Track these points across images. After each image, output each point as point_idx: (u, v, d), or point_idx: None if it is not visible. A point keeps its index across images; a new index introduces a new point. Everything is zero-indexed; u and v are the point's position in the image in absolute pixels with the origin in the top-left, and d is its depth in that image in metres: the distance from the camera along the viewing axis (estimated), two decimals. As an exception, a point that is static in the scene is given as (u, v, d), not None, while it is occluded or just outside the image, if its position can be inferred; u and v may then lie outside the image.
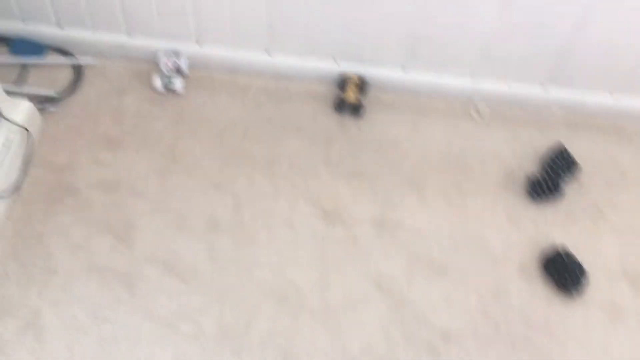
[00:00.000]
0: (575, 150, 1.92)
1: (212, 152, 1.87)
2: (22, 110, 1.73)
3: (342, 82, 1.97)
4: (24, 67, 1.95)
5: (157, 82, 1.93)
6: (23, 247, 1.66)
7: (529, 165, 1.92)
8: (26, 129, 1.73)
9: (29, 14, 1.92)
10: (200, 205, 1.77)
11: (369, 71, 1.96)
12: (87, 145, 1.85)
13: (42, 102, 1.88)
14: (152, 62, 2.01)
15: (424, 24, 1.77)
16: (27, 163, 1.76)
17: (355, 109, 1.94)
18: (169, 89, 1.94)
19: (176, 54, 1.96)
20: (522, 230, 1.80)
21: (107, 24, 1.92)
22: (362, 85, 1.96)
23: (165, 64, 1.92)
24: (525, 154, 1.94)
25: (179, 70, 1.96)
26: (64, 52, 2.00)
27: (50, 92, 1.91)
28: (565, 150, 1.89)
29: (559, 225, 1.81)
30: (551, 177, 1.83)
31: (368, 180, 1.86)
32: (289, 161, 1.87)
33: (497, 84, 1.96)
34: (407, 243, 1.75)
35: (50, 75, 1.97)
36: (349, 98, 1.93)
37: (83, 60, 1.98)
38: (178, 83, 1.94)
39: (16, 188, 1.72)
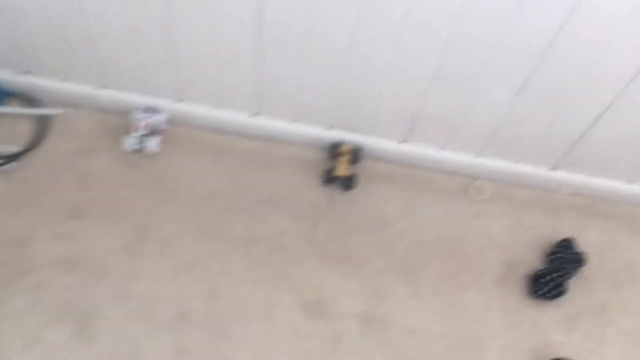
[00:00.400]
0: (582, 239, 1.77)
1: (187, 227, 1.69)
2: (-27, 177, 1.55)
3: (334, 151, 1.79)
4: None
5: (130, 143, 1.74)
6: (-31, 336, 1.49)
7: (532, 257, 1.77)
8: (-23, 201, 1.55)
9: (-11, 59, 1.73)
10: (171, 290, 1.60)
11: (364, 140, 1.79)
12: (48, 213, 1.66)
13: (2, 158, 1.69)
14: (125, 115, 1.82)
15: (428, 103, 1.59)
16: (-22, 236, 1.58)
17: (347, 183, 1.77)
18: (142, 149, 1.76)
19: (153, 110, 1.77)
20: (521, 333, 1.65)
21: (79, 73, 1.72)
22: (355, 155, 1.78)
23: (140, 124, 1.73)
24: (529, 243, 1.79)
25: (154, 130, 1.77)
26: (28, 99, 1.80)
27: (11, 147, 1.71)
28: (572, 243, 1.74)
29: (560, 328, 1.67)
30: (555, 274, 1.68)
31: (356, 266, 1.70)
32: (271, 241, 1.70)
33: (502, 162, 1.80)
34: (396, 344, 1.60)
35: (12, 125, 1.78)
36: (340, 171, 1.76)
37: (49, 110, 1.79)
38: (153, 144, 1.75)
39: (-35, 264, 1.54)
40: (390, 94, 1.58)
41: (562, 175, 1.81)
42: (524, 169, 1.80)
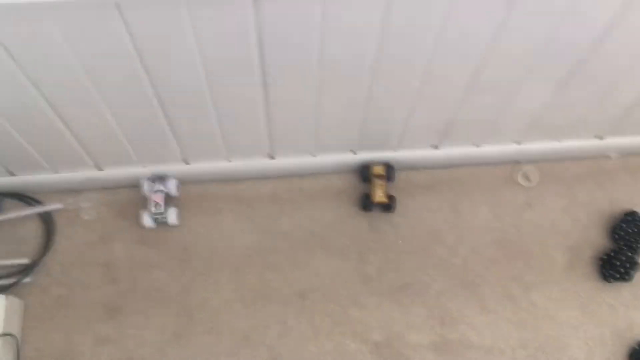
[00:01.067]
0: (642, 202, 1.66)
1: (231, 295, 1.57)
2: (-4, 310, 1.42)
3: (365, 174, 1.64)
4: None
5: (148, 220, 1.59)
6: None
7: (597, 236, 1.65)
8: (9, 334, 1.42)
9: (-30, 169, 1.55)
10: (233, 369, 1.51)
11: (394, 155, 1.63)
12: (82, 320, 1.54)
13: (13, 275, 1.55)
14: (132, 188, 1.66)
15: (462, 111, 1.43)
16: (18, 366, 1.47)
17: (387, 207, 1.64)
18: (162, 223, 1.62)
19: (162, 179, 1.61)
20: (602, 321, 1.56)
21: (70, 163, 1.55)
22: (388, 174, 1.63)
23: (154, 199, 1.58)
24: (589, 220, 1.67)
25: (168, 199, 1.62)
26: (25, 197, 1.64)
27: (21, 259, 1.57)
28: (638, 215, 1.62)
29: (641, 307, 1.59)
30: (628, 254, 1.57)
31: (417, 293, 1.59)
32: (321, 289, 1.59)
33: (545, 144, 1.65)
34: (477, 367, 1.52)
35: (15, 233, 1.62)
36: (378, 197, 1.61)
37: (50, 206, 1.63)
38: (172, 216, 1.60)
39: (14, 399, 1.44)
40: (422, 111, 1.41)
41: (610, 141, 1.66)
42: (569, 144, 1.65)
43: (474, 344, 1.54)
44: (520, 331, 1.56)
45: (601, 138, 1.65)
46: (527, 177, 1.70)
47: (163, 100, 1.28)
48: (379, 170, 1.62)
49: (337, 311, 1.57)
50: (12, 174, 1.58)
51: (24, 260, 1.57)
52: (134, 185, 1.65)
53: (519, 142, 1.64)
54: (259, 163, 1.62)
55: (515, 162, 1.72)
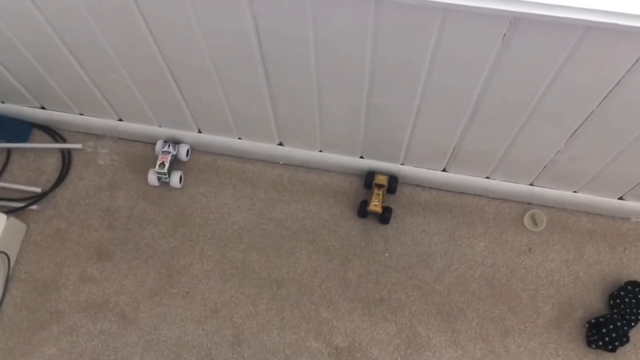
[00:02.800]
0: (654, 275, 1.55)
1: (212, 267, 1.62)
2: (-3, 228, 1.53)
3: (369, 181, 1.63)
4: (8, 152, 1.73)
5: (152, 178, 1.66)
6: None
7: (592, 299, 1.56)
8: (3, 252, 1.54)
9: (8, 97, 1.67)
10: (197, 337, 1.56)
11: (399, 169, 1.61)
12: (73, 255, 1.64)
13: (24, 200, 1.67)
14: (148, 144, 1.73)
15: (467, 140, 1.39)
16: (6, 283, 1.58)
17: (382, 218, 1.62)
18: (165, 183, 1.68)
19: (175, 143, 1.67)
20: (574, 387, 1.50)
21: (94, 109, 1.64)
22: (390, 185, 1.62)
23: (161, 160, 1.64)
24: (589, 280, 1.58)
25: (177, 163, 1.68)
26: (51, 131, 1.75)
27: (35, 187, 1.69)
28: (639, 285, 1.53)
29: (620, 383, 1.50)
30: (618, 323, 1.49)
31: (391, 309, 1.58)
32: (300, 282, 1.61)
33: (559, 191, 1.58)
34: (431, 397, 1.50)
35: (36, 162, 1.74)
36: (372, 207, 1.60)
37: (72, 145, 1.73)
38: (176, 180, 1.66)
39: (-3, 312, 1.56)
40: (424, 130, 1.38)
41: (632, 204, 1.57)
42: (585, 197, 1.57)
43: (434, 374, 1.52)
44: (486, 374, 1.52)
45: (622, 199, 1.56)
46: (534, 221, 1.63)
47: (173, 71, 1.33)
48: (381, 180, 1.61)
49: (308, 307, 1.58)
50: (43, 107, 1.69)
51: (37, 189, 1.68)
52: (152, 142, 1.73)
53: (532, 184, 1.57)
54: (268, 147, 1.64)
55: (527, 204, 1.65)
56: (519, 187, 1.59)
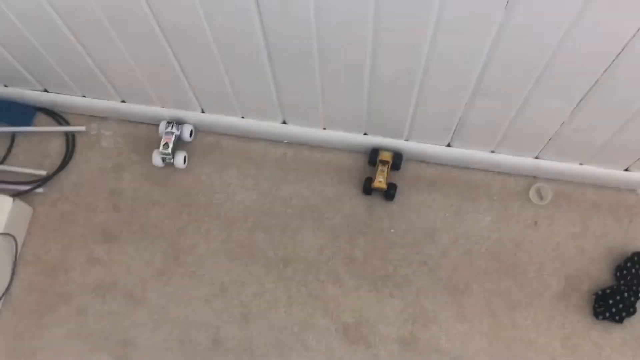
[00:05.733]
0: (660, 247, 1.55)
1: (219, 247, 1.63)
2: (3, 211, 1.54)
3: (373, 158, 1.63)
4: (12, 136, 1.73)
5: (157, 159, 1.66)
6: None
7: (598, 271, 1.56)
8: (10, 234, 1.55)
9: (11, 81, 1.67)
10: (204, 316, 1.57)
11: (405, 145, 1.61)
12: (80, 237, 1.65)
13: (30, 183, 1.67)
14: (151, 125, 1.73)
15: (471, 113, 1.38)
16: (14, 266, 1.60)
17: (386, 194, 1.62)
18: (170, 164, 1.68)
19: (179, 123, 1.67)
20: (581, 359, 1.50)
21: (96, 91, 1.63)
22: (395, 161, 1.61)
23: (165, 141, 1.64)
24: (596, 253, 1.58)
25: (181, 143, 1.68)
26: (54, 114, 1.75)
27: (40, 170, 1.69)
28: (647, 258, 1.53)
29: (628, 354, 1.50)
30: (625, 294, 1.49)
31: (397, 285, 1.58)
32: (306, 260, 1.61)
33: (565, 164, 1.57)
34: (438, 372, 1.50)
35: (40, 145, 1.74)
36: (377, 183, 1.60)
37: (76, 127, 1.73)
38: (179, 159, 1.66)
39: (4, 293, 1.57)
40: (427, 103, 1.37)
41: (637, 175, 1.56)
42: (591, 169, 1.57)
43: (441, 348, 1.52)
44: (493, 347, 1.52)
45: (628, 170, 1.55)
46: (539, 194, 1.62)
47: (174, 49, 1.33)
48: (385, 156, 1.60)
49: (314, 285, 1.59)
50: (45, 90, 1.69)
51: (42, 172, 1.69)
52: (155, 123, 1.73)
53: (537, 157, 1.56)
54: (271, 125, 1.64)
55: (532, 177, 1.65)
56: (524, 161, 1.58)
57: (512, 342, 1.52)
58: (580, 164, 1.56)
